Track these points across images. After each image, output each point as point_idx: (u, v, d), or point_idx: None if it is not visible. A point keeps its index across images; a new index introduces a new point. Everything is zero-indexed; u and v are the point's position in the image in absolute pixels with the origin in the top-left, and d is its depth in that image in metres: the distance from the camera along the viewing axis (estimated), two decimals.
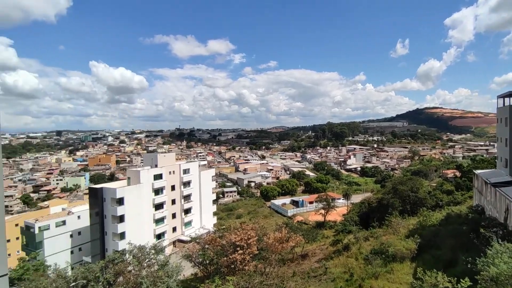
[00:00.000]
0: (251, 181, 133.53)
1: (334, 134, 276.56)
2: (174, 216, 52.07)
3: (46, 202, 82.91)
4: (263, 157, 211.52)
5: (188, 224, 54.78)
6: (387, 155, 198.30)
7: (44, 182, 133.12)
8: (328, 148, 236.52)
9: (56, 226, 43.41)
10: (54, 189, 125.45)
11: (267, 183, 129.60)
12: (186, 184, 54.97)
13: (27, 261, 36.58)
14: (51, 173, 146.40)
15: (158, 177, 48.93)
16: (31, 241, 42.44)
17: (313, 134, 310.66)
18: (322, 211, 66.13)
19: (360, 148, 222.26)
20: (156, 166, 50.69)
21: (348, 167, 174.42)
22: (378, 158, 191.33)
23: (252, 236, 26.63)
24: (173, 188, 52.11)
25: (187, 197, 54.96)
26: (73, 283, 19.39)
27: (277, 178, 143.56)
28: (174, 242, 51.46)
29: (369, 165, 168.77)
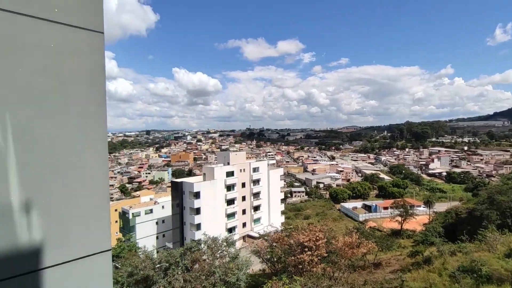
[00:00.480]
0: (320, 182, 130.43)
1: (413, 135, 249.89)
2: (244, 212, 54.35)
3: (137, 192, 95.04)
4: (332, 158, 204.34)
5: (257, 220, 56.52)
6: (481, 160, 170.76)
7: (136, 174, 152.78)
8: (407, 150, 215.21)
9: (145, 214, 49.73)
10: (144, 181, 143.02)
11: (337, 185, 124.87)
12: (256, 182, 56.79)
13: (123, 241, 42.81)
14: (142, 167, 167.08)
15: (230, 174, 51.73)
16: (126, 224, 49.53)
17: (388, 134, 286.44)
18: (399, 218, 60.80)
19: (446, 151, 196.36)
20: (228, 163, 53.61)
21: (430, 171, 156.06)
22: (469, 163, 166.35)
23: (320, 237, 26.22)
24: (243, 185, 54.39)
25: (256, 195, 56.75)
26: (158, 265, 22.06)
27: (348, 180, 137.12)
28: (243, 237, 53.73)
29: (457, 170, 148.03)
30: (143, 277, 20.44)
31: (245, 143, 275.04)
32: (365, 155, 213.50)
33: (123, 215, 50.40)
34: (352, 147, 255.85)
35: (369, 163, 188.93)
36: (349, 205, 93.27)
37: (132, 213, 48.37)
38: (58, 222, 1.55)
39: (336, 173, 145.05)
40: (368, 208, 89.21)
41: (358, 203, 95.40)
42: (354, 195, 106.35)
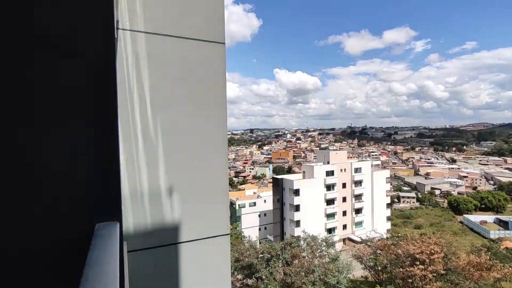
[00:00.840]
0: (435, 188, 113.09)
1: None
2: (344, 213, 52.32)
3: (242, 186, 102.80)
4: (453, 161, 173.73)
5: (358, 224, 53.58)
6: None
7: (241, 169, 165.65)
8: None
9: (249, 206, 53.61)
10: (248, 175, 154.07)
11: (458, 193, 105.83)
12: (357, 183, 53.85)
13: (230, 229, 47.26)
14: (246, 163, 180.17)
15: (330, 173, 50.55)
16: (233, 214, 54.53)
17: None
18: None
19: None
20: (328, 162, 52.45)
21: None
22: None
23: (436, 251, 22.90)
24: (344, 185, 52.36)
25: (358, 197, 53.82)
26: (261, 255, 23.47)
27: (474, 188, 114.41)
28: (344, 240, 51.70)
29: None
30: (247, 264, 22.19)
31: (345, 142, 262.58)
32: (500, 159, 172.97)
33: (231, 205, 55.68)
34: (481, 149, 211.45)
35: (506, 168, 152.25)
36: (475, 218, 77.70)
37: (238, 204, 52.91)
38: (191, 206, 1.88)
39: (458, 178, 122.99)
40: (503, 224, 72.40)
41: (489, 217, 78.51)
42: (483, 206, 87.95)
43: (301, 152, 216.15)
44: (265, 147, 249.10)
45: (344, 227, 52.24)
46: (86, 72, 0.70)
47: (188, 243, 1.86)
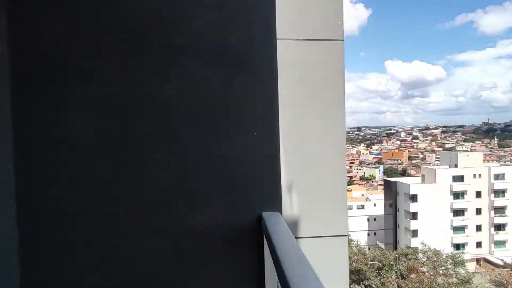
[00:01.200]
0: None
1: None
2: (478, 228, 43.63)
3: (349, 187, 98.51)
4: None
5: (500, 243, 43.74)
6: None
7: (348, 169, 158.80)
8: None
9: (357, 208, 50.84)
10: (354, 176, 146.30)
11: None
12: (499, 192, 43.99)
13: None
14: (353, 163, 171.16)
15: (458, 179, 43.12)
16: None
17: None
18: None
19: None
20: (455, 166, 45.00)
21: None
22: None
23: None
24: (478, 194, 43.73)
25: (499, 209, 43.97)
26: (371, 262, 21.93)
27: None
28: (477, 260, 43.15)
29: None
30: (355, 269, 21.15)
31: (480, 142, 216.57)
32: None
33: None
34: None
35: None
36: None
37: None
38: (309, 204, 1.93)
39: None
40: None
41: None
42: None
43: (419, 153, 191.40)
44: (375, 147, 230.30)
45: (479, 244, 43.54)
46: (256, 79, 0.80)
47: (306, 239, 1.92)
